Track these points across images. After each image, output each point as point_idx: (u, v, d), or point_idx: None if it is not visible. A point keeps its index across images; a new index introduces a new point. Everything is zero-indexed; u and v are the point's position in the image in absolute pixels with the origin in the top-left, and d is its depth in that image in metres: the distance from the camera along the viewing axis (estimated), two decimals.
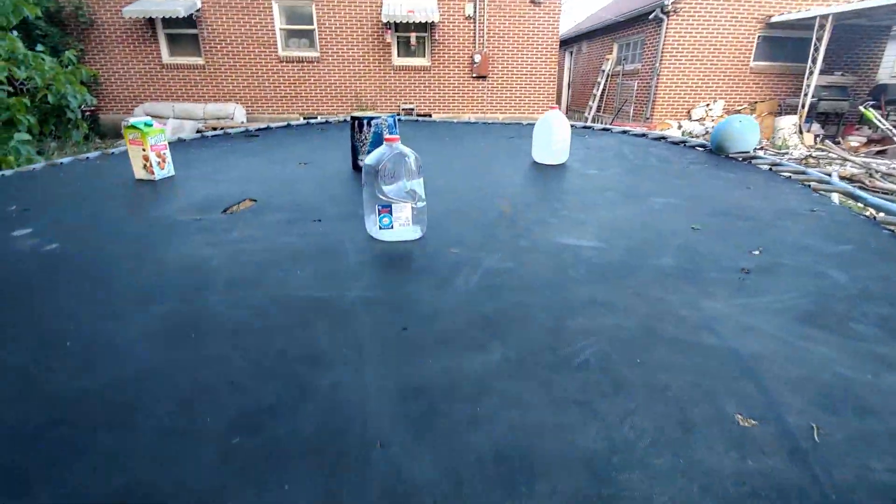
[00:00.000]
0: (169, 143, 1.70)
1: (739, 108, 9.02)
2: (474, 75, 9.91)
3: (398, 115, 2.15)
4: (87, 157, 1.94)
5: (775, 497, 0.40)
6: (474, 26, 9.57)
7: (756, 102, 9.18)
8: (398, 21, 8.99)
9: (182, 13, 8.72)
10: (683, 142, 2.38)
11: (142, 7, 8.77)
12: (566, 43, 15.65)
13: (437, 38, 9.58)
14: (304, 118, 1.53)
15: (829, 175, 1.72)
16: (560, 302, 0.74)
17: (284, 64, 9.76)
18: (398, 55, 9.82)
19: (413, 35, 9.45)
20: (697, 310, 0.72)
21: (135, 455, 0.45)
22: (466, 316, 0.70)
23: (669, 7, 8.72)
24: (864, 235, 1.08)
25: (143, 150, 1.59)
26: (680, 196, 1.40)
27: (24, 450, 0.45)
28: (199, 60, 9.67)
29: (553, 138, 1.82)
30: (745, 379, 0.56)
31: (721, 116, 8.72)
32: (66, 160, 1.95)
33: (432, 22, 9.10)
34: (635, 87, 10.00)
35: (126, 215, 1.25)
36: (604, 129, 2.78)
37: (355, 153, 1.72)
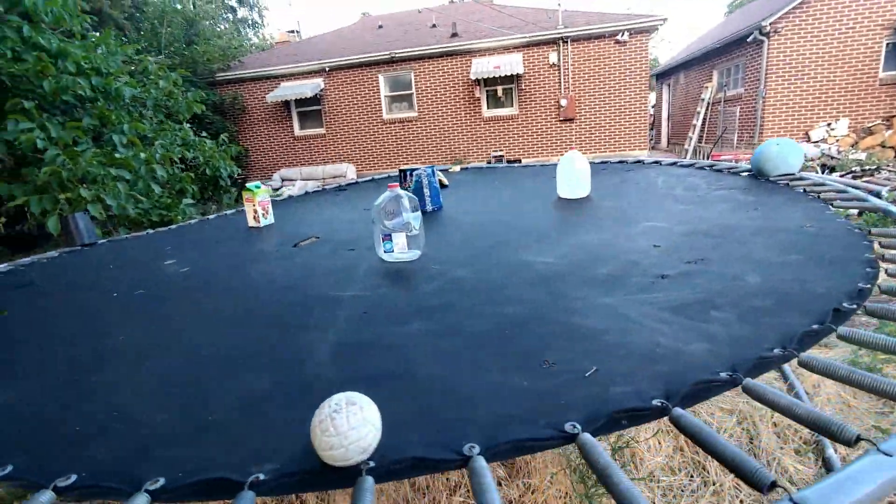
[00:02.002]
0: (283, 199, 2.29)
1: (870, 124, 7.87)
2: (561, 118, 10.18)
3: (490, 160, 2.54)
4: (226, 214, 2.65)
5: (541, 401, 0.64)
6: (559, 72, 9.95)
7: (892, 117, 7.94)
8: (486, 77, 9.76)
9: (309, 94, 10.54)
10: (730, 168, 2.40)
11: (281, 93, 10.81)
12: (663, 76, 15.20)
13: (523, 87, 10.14)
14: (399, 171, 1.97)
15: (879, 193, 1.68)
16: (485, 299, 1.01)
17: (388, 125, 11.08)
18: (487, 107, 10.55)
19: (500, 88, 10.13)
20: (589, 302, 0.93)
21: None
22: (411, 307, 1.00)
23: (768, 28, 8.19)
24: (826, 248, 1.14)
25: (254, 205, 2.18)
26: (671, 220, 1.53)
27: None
28: (322, 130, 11.44)
29: (573, 175, 2.05)
30: (574, 341, 0.77)
31: (847, 136, 7.71)
32: (212, 216, 2.68)
33: (517, 74, 9.70)
34: (738, 113, 9.34)
35: (236, 249, 1.78)
36: (654, 163, 2.87)
37: None
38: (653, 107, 18.99)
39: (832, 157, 5.70)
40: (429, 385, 0.69)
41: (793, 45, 8.33)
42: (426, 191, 2.08)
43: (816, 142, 7.56)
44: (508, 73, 9.51)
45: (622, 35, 9.43)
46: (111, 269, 1.68)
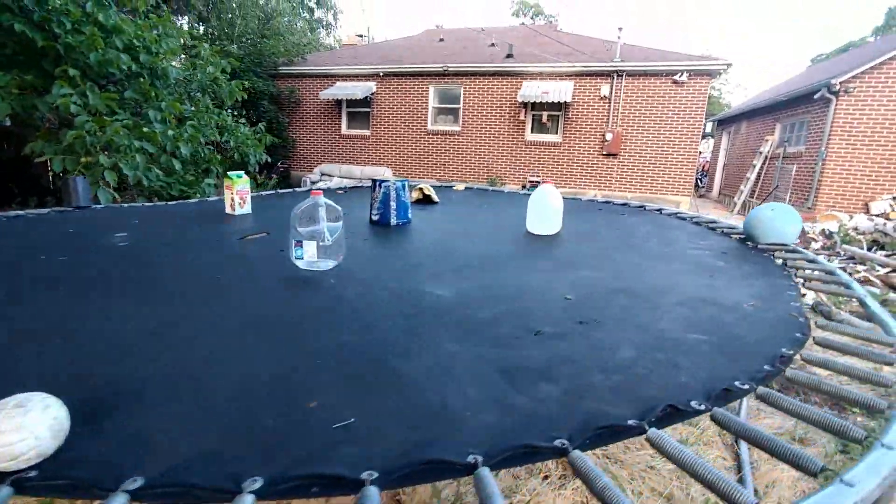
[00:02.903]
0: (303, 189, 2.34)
1: None
2: (604, 152, 9.96)
3: (526, 185, 2.51)
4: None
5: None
6: (608, 105, 9.75)
7: None
8: (534, 101, 9.72)
9: (360, 95, 10.87)
10: (726, 228, 2.23)
11: (334, 91, 11.22)
12: (725, 122, 14.59)
13: (569, 115, 10.01)
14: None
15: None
16: (337, 323, 0.97)
17: (431, 136, 11.22)
18: (531, 131, 10.48)
19: (545, 113, 10.05)
20: (428, 346, 0.87)
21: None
22: (292, 310, 0.98)
23: (838, 87, 7.66)
24: (744, 333, 1.02)
25: (232, 193, 2.24)
26: (612, 272, 1.42)
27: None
28: (367, 132, 11.75)
29: (543, 210, 1.97)
30: (362, 387, 0.72)
31: None
32: (213, 198, 2.78)
33: (565, 101, 9.59)
34: (793, 172, 8.77)
35: (191, 233, 1.83)
36: (657, 210, 2.73)
37: (371, 208, 2.13)
38: (706, 154, 18.23)
39: (886, 234, 5.22)
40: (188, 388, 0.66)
41: (863, 108, 7.75)
42: (392, 203, 2.07)
43: (876, 215, 6.96)
44: (556, 100, 9.43)
45: (681, 75, 9.14)
46: (70, 232, 1.76)
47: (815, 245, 5.55)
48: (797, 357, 0.92)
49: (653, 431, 0.62)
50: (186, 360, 0.78)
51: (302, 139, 12.30)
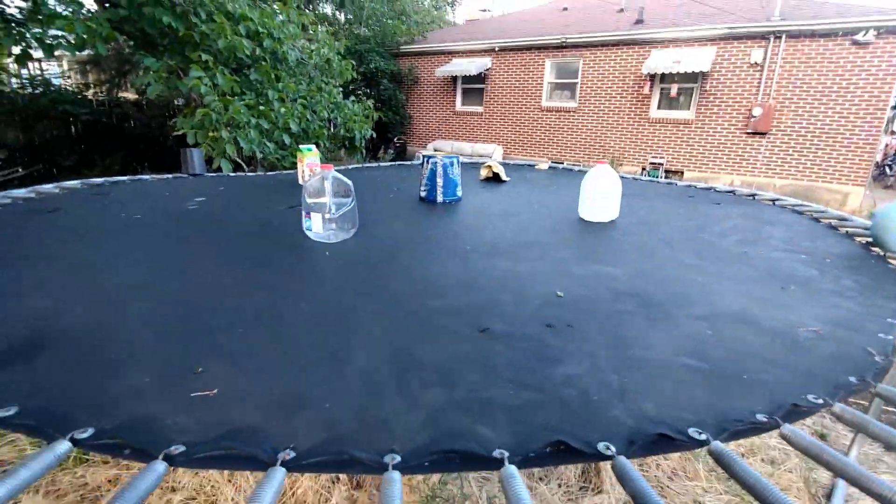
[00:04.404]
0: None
1: None
2: (749, 130, 8.48)
3: (646, 168, 2.39)
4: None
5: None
6: (760, 74, 8.22)
7: None
8: (662, 72, 8.64)
9: (474, 71, 10.81)
10: (851, 228, 1.75)
11: (449, 68, 11.32)
12: None
13: (707, 88, 8.69)
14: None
15: None
16: (314, 294, 0.98)
17: (545, 113, 10.73)
18: (658, 107, 9.37)
19: (675, 86, 8.87)
20: (354, 333, 0.83)
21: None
22: (265, 276, 1.03)
23: None
24: (766, 369, 0.78)
25: (302, 165, 2.41)
26: (637, 272, 1.20)
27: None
28: (480, 108, 11.68)
29: (595, 195, 1.75)
30: (263, 363, 0.71)
31: None
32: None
33: (703, 71, 8.34)
34: None
35: (262, 202, 2.02)
36: (772, 200, 2.25)
37: (421, 185, 2.11)
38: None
39: None
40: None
41: None
42: (439, 181, 2.03)
43: None
44: (691, 70, 8.23)
45: (864, 34, 7.26)
46: (165, 195, 2.07)
47: None
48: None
49: (620, 460, 0.51)
50: (117, 312, 0.87)
51: (418, 116, 12.72)
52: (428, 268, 1.17)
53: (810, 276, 1.26)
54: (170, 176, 2.63)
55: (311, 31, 5.39)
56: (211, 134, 3.74)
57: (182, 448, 0.50)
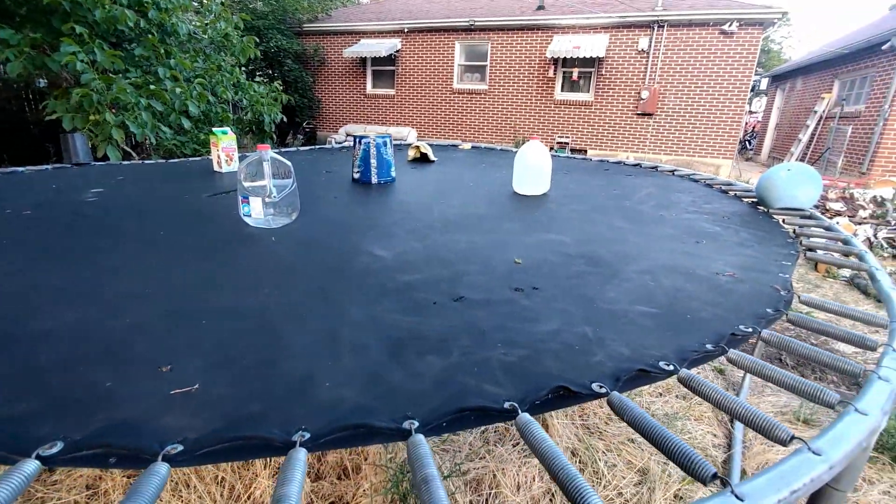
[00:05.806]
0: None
1: None
2: (639, 111, 9.35)
3: (554, 146, 2.39)
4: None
5: None
6: (646, 60, 9.07)
7: None
8: (564, 56, 9.15)
9: (384, 53, 10.56)
10: (740, 191, 2.03)
11: (358, 49, 10.93)
12: (779, 79, 13.36)
13: (602, 72, 9.39)
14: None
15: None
16: (274, 281, 0.91)
17: (457, 95, 10.85)
18: (561, 90, 9.94)
19: (576, 70, 9.47)
20: (332, 311, 0.80)
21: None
22: (212, 268, 0.94)
23: None
24: (700, 308, 0.90)
25: (218, 150, 2.21)
26: (582, 237, 1.30)
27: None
28: (392, 91, 11.48)
29: (527, 169, 1.83)
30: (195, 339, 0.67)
31: None
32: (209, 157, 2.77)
33: (598, 57, 8.99)
34: (849, 134, 7.96)
35: (165, 189, 1.82)
36: (671, 171, 2.52)
37: (353, 166, 2.05)
38: (754, 112, 16.82)
39: None
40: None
41: None
42: (373, 161, 1.98)
43: None
44: (589, 55, 8.83)
45: (730, 25, 8.32)
46: (53, 188, 1.78)
47: (863, 213, 5.09)
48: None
49: (615, 395, 0.54)
50: (63, 316, 0.75)
51: (327, 99, 12.17)
52: (391, 245, 1.15)
53: (716, 231, 1.45)
54: (48, 167, 2.26)
55: (203, 1, 4.87)
56: (92, 117, 3.26)
57: (179, 447, 0.46)
